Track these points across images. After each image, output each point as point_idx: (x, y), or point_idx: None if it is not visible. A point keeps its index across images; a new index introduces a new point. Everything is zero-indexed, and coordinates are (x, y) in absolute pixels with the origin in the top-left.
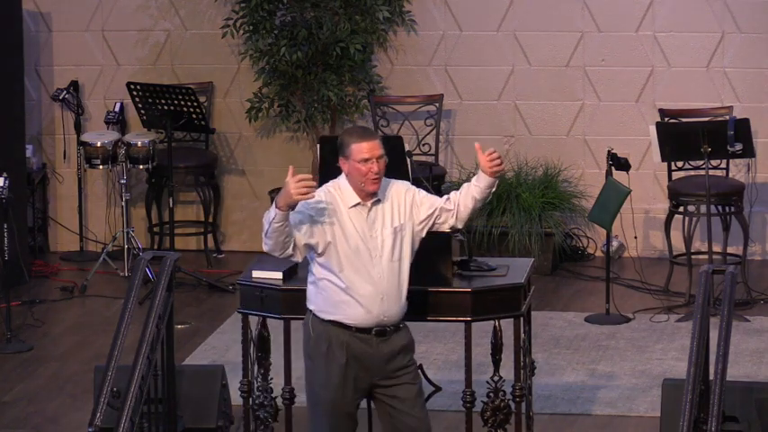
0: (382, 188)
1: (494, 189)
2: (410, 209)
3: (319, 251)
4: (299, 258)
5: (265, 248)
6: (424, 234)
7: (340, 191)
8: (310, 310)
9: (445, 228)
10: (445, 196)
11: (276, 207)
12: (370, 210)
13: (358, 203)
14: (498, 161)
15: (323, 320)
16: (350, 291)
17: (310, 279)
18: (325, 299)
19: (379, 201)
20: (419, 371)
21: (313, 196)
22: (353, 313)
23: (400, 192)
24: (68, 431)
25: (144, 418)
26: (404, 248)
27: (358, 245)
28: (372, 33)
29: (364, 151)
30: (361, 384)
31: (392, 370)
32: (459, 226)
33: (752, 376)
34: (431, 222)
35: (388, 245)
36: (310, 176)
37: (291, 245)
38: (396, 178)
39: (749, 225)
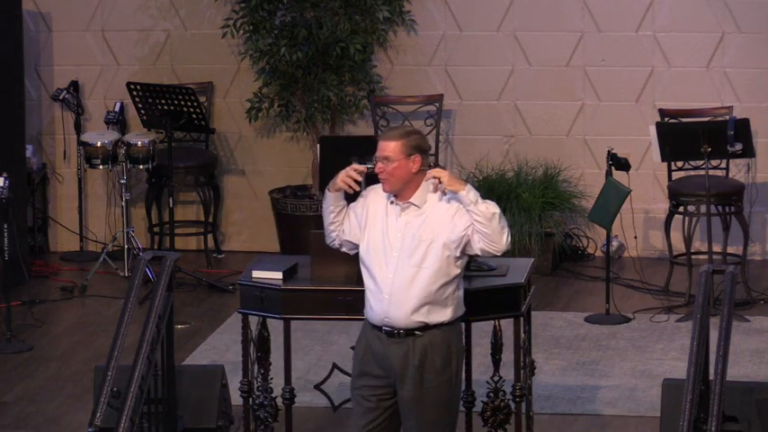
0: (429, 195)
1: (476, 205)
2: (450, 222)
3: (356, 242)
4: (349, 252)
5: None
6: (458, 253)
7: None
8: None
9: (476, 251)
10: None
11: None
12: (403, 209)
13: (393, 201)
14: (436, 185)
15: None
16: (365, 283)
17: None
18: None
19: (413, 204)
20: (443, 404)
21: (351, 189)
22: (367, 307)
23: (449, 203)
24: (68, 431)
25: (144, 418)
26: (428, 258)
27: (380, 238)
28: (372, 33)
29: (377, 149)
30: (380, 382)
31: (411, 378)
32: (492, 250)
33: (752, 376)
34: (464, 241)
35: (409, 248)
36: (363, 169)
37: (336, 237)
38: None
39: (749, 225)
